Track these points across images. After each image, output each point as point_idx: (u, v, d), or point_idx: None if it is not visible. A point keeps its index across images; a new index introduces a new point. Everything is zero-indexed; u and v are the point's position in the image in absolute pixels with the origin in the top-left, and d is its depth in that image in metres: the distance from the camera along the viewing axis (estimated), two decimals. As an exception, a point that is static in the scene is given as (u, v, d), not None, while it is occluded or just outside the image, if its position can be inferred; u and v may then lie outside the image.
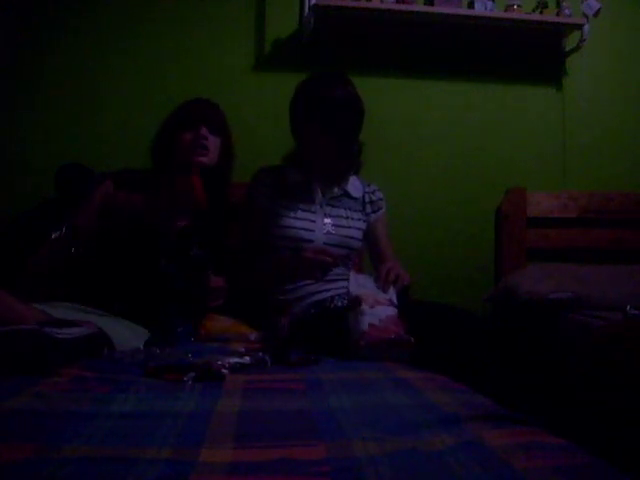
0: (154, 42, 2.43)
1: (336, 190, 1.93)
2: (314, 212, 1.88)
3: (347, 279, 1.86)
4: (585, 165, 2.71)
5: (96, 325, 1.42)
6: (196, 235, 1.75)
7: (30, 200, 2.21)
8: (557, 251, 2.62)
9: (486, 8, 2.48)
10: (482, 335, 1.61)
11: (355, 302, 1.56)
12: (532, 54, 2.68)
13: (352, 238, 1.90)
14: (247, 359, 1.37)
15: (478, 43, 2.63)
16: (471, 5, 2.49)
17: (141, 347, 1.50)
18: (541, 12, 2.54)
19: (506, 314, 2.27)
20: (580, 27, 2.56)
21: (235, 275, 1.84)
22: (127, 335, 1.52)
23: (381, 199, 2.04)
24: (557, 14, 2.55)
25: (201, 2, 2.46)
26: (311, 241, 1.81)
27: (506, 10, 2.51)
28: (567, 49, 2.68)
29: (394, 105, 2.59)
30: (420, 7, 2.46)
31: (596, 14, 2.52)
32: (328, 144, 1.84)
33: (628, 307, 1.74)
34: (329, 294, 1.80)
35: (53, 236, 1.68)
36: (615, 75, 2.75)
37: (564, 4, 2.54)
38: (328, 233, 1.86)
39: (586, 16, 2.54)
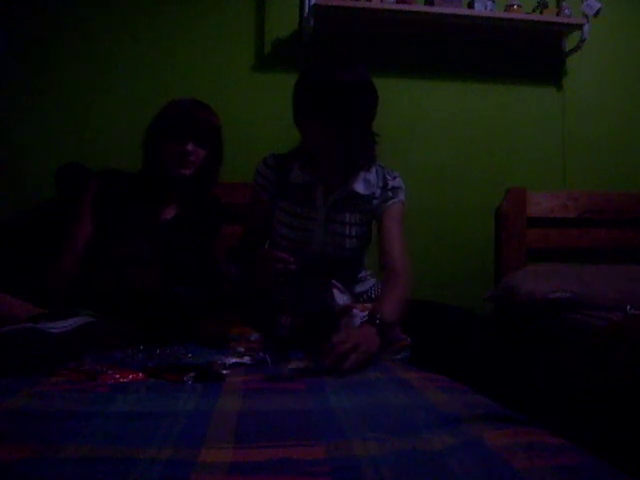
0: (154, 42, 2.43)
1: (340, 192, 1.72)
2: (313, 219, 1.72)
3: (355, 283, 1.86)
4: (585, 165, 2.71)
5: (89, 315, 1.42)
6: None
7: (30, 200, 2.21)
8: (557, 251, 2.62)
9: (486, 8, 2.48)
10: (483, 335, 1.61)
11: (346, 309, 1.57)
12: (532, 54, 2.68)
13: (352, 249, 1.74)
14: (247, 359, 1.38)
15: (478, 43, 2.63)
16: (471, 5, 2.49)
17: (141, 347, 1.50)
18: (541, 12, 2.54)
19: (506, 314, 2.27)
20: (580, 27, 2.56)
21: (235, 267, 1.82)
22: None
23: (396, 187, 1.76)
24: (557, 14, 2.55)
25: (201, 2, 2.47)
26: (308, 252, 1.72)
27: (506, 10, 2.51)
28: (567, 49, 2.68)
29: (394, 105, 2.59)
30: (420, 7, 2.46)
31: (596, 14, 2.52)
32: (332, 138, 1.61)
33: (628, 307, 1.75)
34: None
35: None
36: (615, 75, 2.75)
37: (564, 4, 2.54)
38: (326, 244, 1.73)
39: (586, 16, 2.54)
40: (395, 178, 1.79)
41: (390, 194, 1.76)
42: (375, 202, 1.75)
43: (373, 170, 1.77)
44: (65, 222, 1.89)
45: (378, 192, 1.76)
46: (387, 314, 1.46)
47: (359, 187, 1.73)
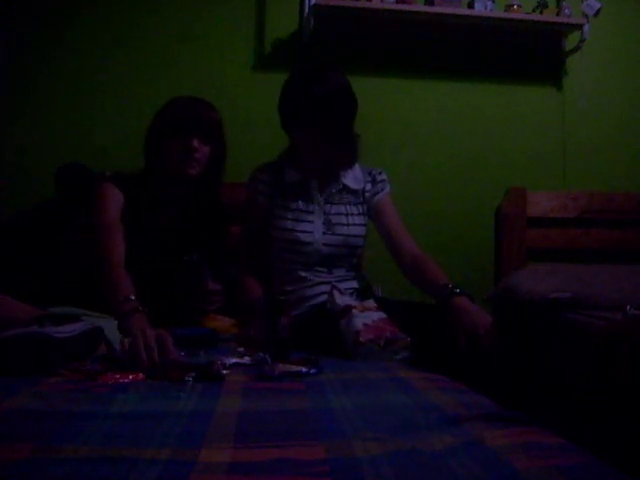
0: (154, 42, 2.43)
1: (334, 186, 1.86)
2: (312, 212, 1.82)
3: (352, 279, 1.87)
4: (585, 165, 2.71)
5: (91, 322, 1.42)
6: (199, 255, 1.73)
7: (30, 200, 2.21)
8: (557, 251, 2.62)
9: (486, 8, 2.48)
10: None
11: (346, 309, 1.57)
12: (532, 54, 2.68)
13: (352, 236, 1.84)
14: (247, 359, 1.38)
15: (478, 43, 2.63)
16: (471, 5, 2.49)
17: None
18: (541, 12, 2.54)
19: (506, 314, 2.26)
20: (580, 27, 2.56)
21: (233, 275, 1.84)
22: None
23: (384, 180, 1.93)
24: (557, 14, 2.55)
25: (201, 2, 2.47)
26: (310, 244, 1.80)
27: (506, 10, 2.51)
28: (567, 49, 2.68)
29: (394, 105, 2.59)
30: (420, 7, 2.46)
31: (596, 14, 2.52)
32: (318, 143, 1.77)
33: (628, 307, 1.74)
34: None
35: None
36: (615, 75, 2.75)
37: (564, 4, 2.54)
38: (327, 234, 1.81)
39: (586, 16, 2.54)
40: (380, 173, 1.95)
41: (380, 187, 1.92)
42: (367, 195, 1.91)
43: (357, 168, 1.91)
44: (66, 222, 1.88)
45: (369, 186, 1.91)
46: (452, 284, 1.61)
47: (350, 182, 1.88)
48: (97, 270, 1.64)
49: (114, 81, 2.40)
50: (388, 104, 2.58)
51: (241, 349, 1.48)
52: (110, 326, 1.48)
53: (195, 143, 1.76)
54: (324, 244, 1.81)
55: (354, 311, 1.56)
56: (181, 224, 1.85)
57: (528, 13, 2.54)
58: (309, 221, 1.82)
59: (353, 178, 1.89)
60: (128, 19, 2.42)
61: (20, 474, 0.73)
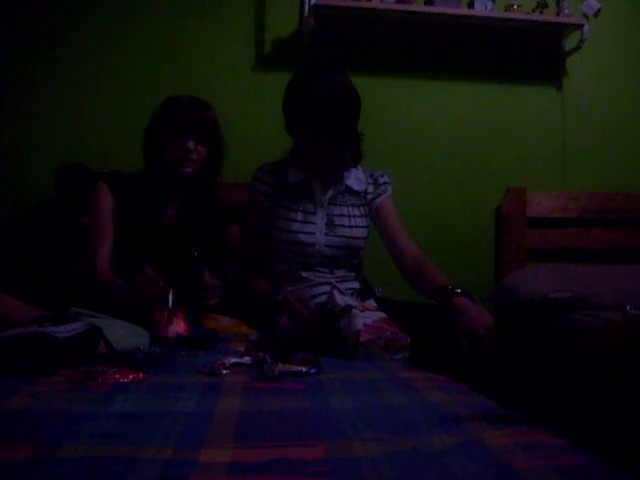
0: (154, 42, 2.44)
1: (337, 187, 1.86)
2: (314, 213, 1.83)
3: (352, 279, 1.87)
4: (585, 165, 2.72)
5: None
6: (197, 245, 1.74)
7: (30, 200, 2.21)
8: (557, 251, 2.62)
9: (486, 8, 2.48)
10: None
11: (346, 309, 1.57)
12: (532, 54, 2.69)
13: (354, 238, 1.84)
14: (247, 359, 1.38)
15: (478, 43, 2.64)
16: (471, 5, 2.49)
17: (141, 347, 1.50)
18: (541, 12, 2.54)
19: (506, 314, 2.27)
20: (580, 27, 2.56)
21: (235, 276, 1.84)
22: (125, 335, 1.52)
23: (386, 183, 1.93)
24: (557, 14, 2.55)
25: (201, 2, 2.47)
26: (312, 245, 1.80)
27: (506, 10, 2.51)
28: (567, 49, 2.69)
29: (394, 105, 2.59)
30: (420, 7, 2.46)
31: (596, 14, 2.53)
32: (321, 143, 1.76)
33: (628, 307, 1.74)
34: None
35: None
36: (615, 75, 2.75)
37: (564, 4, 2.54)
38: (329, 235, 1.81)
39: (586, 16, 2.54)
40: (383, 175, 1.95)
41: (382, 189, 1.92)
42: (369, 197, 1.91)
43: (360, 169, 1.91)
44: (66, 222, 1.88)
45: (371, 188, 1.91)
46: (452, 285, 1.61)
47: (352, 183, 1.88)
48: (81, 277, 1.71)
49: (114, 81, 2.40)
50: (388, 104, 2.58)
51: (241, 349, 1.48)
52: (110, 326, 1.48)
53: (191, 145, 1.77)
54: (326, 245, 1.81)
55: (354, 311, 1.56)
56: (180, 223, 1.85)
57: (528, 13, 2.54)
58: (312, 222, 1.82)
59: (356, 179, 1.89)
60: (128, 19, 2.42)
61: (20, 474, 0.73)
